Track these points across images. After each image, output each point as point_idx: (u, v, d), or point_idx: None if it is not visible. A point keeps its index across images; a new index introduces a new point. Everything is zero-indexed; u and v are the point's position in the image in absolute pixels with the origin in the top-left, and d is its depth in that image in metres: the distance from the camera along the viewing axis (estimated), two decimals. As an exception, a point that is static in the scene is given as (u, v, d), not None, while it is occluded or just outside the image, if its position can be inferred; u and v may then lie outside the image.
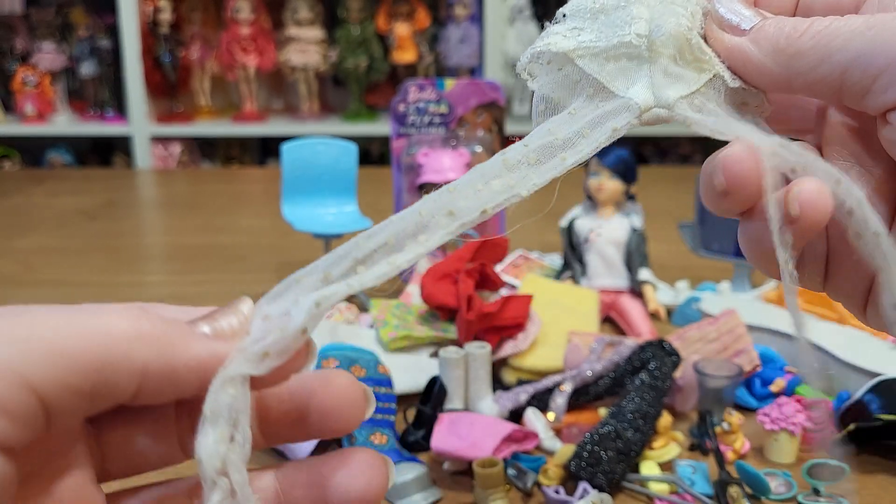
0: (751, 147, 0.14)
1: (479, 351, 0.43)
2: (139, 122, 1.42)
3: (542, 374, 0.45)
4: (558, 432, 0.42)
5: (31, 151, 1.55)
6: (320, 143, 0.58)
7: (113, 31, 1.42)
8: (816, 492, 0.37)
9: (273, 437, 0.15)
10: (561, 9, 0.16)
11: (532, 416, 0.41)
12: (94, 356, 0.12)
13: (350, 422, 0.14)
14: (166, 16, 1.39)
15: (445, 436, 0.38)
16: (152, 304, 0.14)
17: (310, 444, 0.39)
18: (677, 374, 0.42)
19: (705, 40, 0.15)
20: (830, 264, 0.16)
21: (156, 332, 0.12)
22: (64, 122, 1.49)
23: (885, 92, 0.13)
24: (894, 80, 0.13)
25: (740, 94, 0.16)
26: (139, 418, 0.14)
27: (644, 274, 0.55)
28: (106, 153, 1.57)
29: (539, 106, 0.17)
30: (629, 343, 0.44)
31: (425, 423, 0.41)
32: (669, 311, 0.56)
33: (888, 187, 0.15)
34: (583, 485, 0.36)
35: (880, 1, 0.15)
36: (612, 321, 0.56)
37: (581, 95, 0.16)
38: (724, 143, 0.15)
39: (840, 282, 0.16)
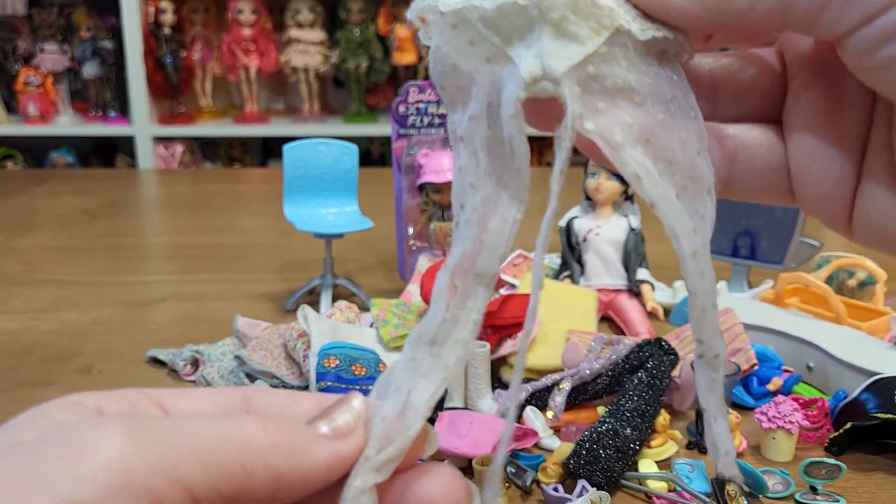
0: None
1: (479, 350, 0.43)
2: (141, 122, 1.42)
3: (541, 373, 0.45)
4: (557, 430, 0.42)
5: (34, 152, 1.55)
6: (321, 144, 0.59)
7: (115, 33, 1.43)
8: (814, 490, 0.37)
9: None
10: None
11: (531, 415, 0.42)
12: (239, 465, 0.13)
13: None
14: (168, 17, 1.39)
15: (445, 434, 0.38)
16: (264, 390, 0.15)
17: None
18: (675, 372, 0.43)
19: None
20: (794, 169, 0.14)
21: (286, 440, 0.13)
22: (66, 123, 1.49)
23: (835, 22, 0.12)
24: (841, 9, 0.12)
25: (655, 43, 0.13)
26: None
27: (642, 273, 0.56)
28: (108, 154, 1.58)
29: (435, 67, 0.14)
30: (627, 342, 0.44)
31: (425, 421, 0.41)
32: (667, 311, 0.57)
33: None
34: (581, 483, 0.36)
35: None
36: (610, 320, 0.56)
37: (479, 58, 0.14)
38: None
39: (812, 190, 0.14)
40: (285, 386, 0.45)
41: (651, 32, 0.13)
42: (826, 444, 0.41)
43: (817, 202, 0.14)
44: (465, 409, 0.43)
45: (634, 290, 0.56)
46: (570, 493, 0.36)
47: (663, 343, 0.42)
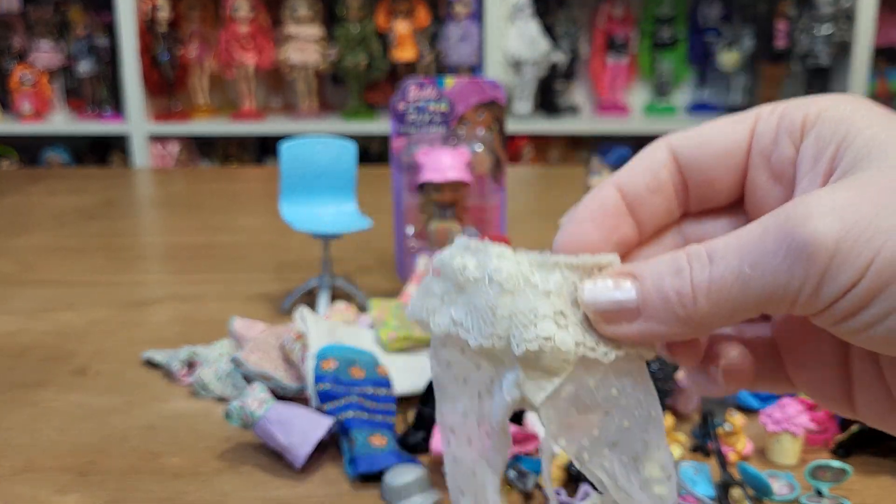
0: None
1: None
2: (137, 120, 1.41)
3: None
4: (559, 433, 0.41)
5: (29, 150, 1.54)
6: (319, 142, 0.58)
7: (111, 30, 1.42)
8: (819, 493, 0.37)
9: None
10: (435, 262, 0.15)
11: (533, 418, 0.41)
12: None
13: None
14: (164, 14, 1.38)
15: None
16: None
17: (309, 446, 0.39)
18: (679, 375, 0.42)
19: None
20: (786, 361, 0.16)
21: None
22: (61, 121, 1.48)
23: (806, 310, 0.13)
24: (808, 302, 0.13)
25: (622, 360, 0.15)
26: None
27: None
28: (104, 152, 1.57)
29: (434, 367, 0.16)
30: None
31: (425, 424, 0.41)
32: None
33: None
34: (584, 486, 0.36)
35: (765, 151, 0.14)
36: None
37: (469, 364, 0.16)
38: None
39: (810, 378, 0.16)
40: (282, 388, 0.45)
41: (614, 354, 0.15)
42: (832, 447, 0.41)
43: (825, 402, 0.16)
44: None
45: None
46: (573, 497, 0.36)
47: (667, 344, 0.42)
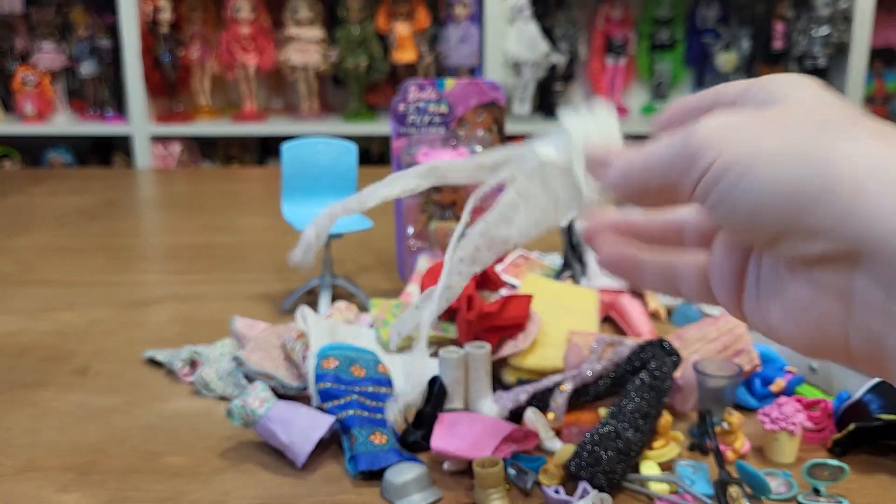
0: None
1: (479, 351, 0.43)
2: (139, 121, 1.42)
3: (542, 374, 0.45)
4: (558, 432, 0.42)
5: (31, 151, 1.55)
6: (320, 143, 0.58)
7: (113, 31, 1.42)
8: (816, 492, 0.37)
9: None
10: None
11: (532, 416, 0.41)
12: None
13: None
14: (166, 15, 1.39)
15: (445, 436, 0.38)
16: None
17: (310, 444, 0.39)
18: (677, 373, 0.42)
19: None
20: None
21: None
22: (64, 122, 1.49)
23: (684, 187, 0.17)
24: (683, 187, 0.17)
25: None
26: None
27: (644, 274, 0.55)
28: (106, 153, 1.57)
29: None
30: (629, 343, 0.44)
31: (425, 423, 0.41)
32: (669, 311, 0.56)
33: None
34: (583, 485, 0.36)
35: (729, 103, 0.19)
36: (611, 321, 0.56)
37: None
38: None
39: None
40: (284, 387, 0.45)
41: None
42: (829, 446, 0.41)
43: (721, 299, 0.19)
44: (466, 410, 0.43)
45: (636, 291, 0.56)
46: (572, 496, 0.36)
47: (665, 344, 0.42)
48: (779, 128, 0.16)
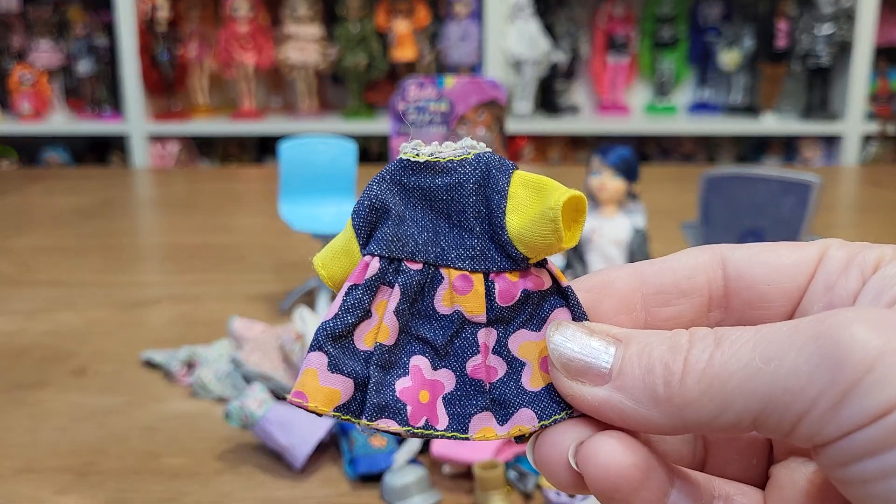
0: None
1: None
2: (136, 120, 1.41)
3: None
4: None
5: (28, 150, 1.54)
6: (319, 142, 0.58)
7: (110, 29, 1.42)
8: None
9: None
10: None
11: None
12: None
13: None
14: (164, 14, 1.38)
15: (446, 440, 0.38)
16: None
17: (309, 447, 0.39)
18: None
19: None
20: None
21: None
22: (61, 121, 1.48)
23: (811, 436, 0.11)
24: (819, 425, 0.10)
25: None
26: None
27: (646, 274, 0.55)
28: (103, 152, 1.57)
29: None
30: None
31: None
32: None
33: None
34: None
35: (829, 282, 0.12)
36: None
37: None
38: None
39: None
40: (282, 389, 0.45)
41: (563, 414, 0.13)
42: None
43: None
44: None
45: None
46: (573, 498, 0.35)
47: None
48: None
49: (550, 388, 0.12)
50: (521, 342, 0.13)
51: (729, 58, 1.46)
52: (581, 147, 1.55)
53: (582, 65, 1.54)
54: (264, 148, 1.58)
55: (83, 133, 1.48)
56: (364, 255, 0.13)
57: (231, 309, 0.57)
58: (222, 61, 1.43)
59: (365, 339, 0.13)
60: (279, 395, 0.44)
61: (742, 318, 0.13)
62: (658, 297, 0.13)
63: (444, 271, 0.13)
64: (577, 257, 0.57)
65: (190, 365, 0.49)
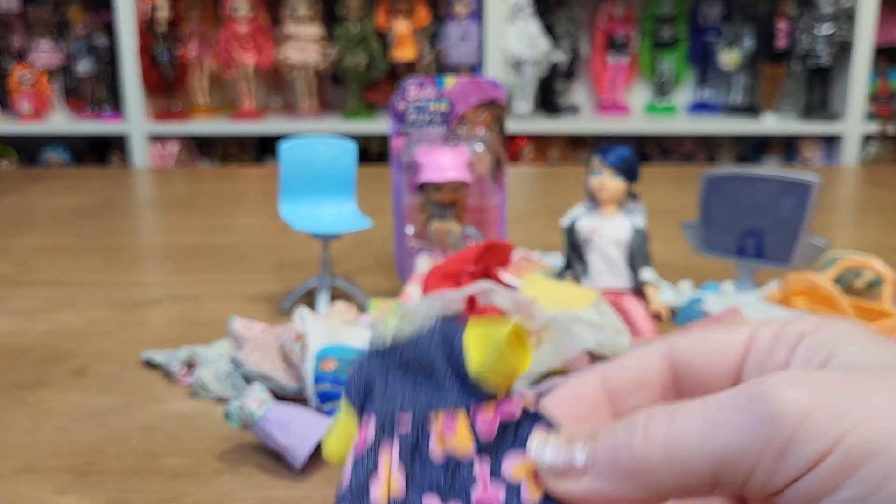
0: None
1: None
2: (136, 120, 1.41)
3: (545, 375, 0.44)
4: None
5: (28, 150, 1.54)
6: (319, 142, 0.58)
7: (110, 29, 1.42)
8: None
9: None
10: None
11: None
12: None
13: None
14: (164, 14, 1.38)
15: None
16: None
17: (309, 447, 0.39)
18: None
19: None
20: None
21: None
22: (61, 121, 1.48)
23: (766, 482, 0.12)
24: (770, 471, 0.12)
25: None
26: None
27: (646, 274, 0.55)
28: (103, 152, 1.57)
29: None
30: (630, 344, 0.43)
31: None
32: (673, 312, 0.56)
33: None
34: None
35: (759, 360, 0.14)
36: (613, 321, 0.55)
37: None
38: None
39: None
40: (282, 389, 0.45)
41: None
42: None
43: None
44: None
45: (639, 291, 0.55)
46: None
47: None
48: None
49: (546, 496, 0.14)
50: (513, 465, 0.15)
51: (729, 58, 1.47)
52: (581, 147, 1.55)
53: (582, 65, 1.54)
54: (264, 148, 1.58)
55: (83, 133, 1.48)
56: (361, 418, 0.16)
57: (231, 309, 0.57)
58: (222, 61, 1.43)
59: (380, 496, 0.15)
60: (279, 395, 0.44)
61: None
62: (620, 394, 0.16)
63: (431, 421, 0.15)
64: (577, 258, 0.57)
65: (190, 365, 0.49)
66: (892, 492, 0.11)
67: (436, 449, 0.14)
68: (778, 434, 0.12)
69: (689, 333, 0.15)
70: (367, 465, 0.15)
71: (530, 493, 0.14)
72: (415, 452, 0.15)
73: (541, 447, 0.14)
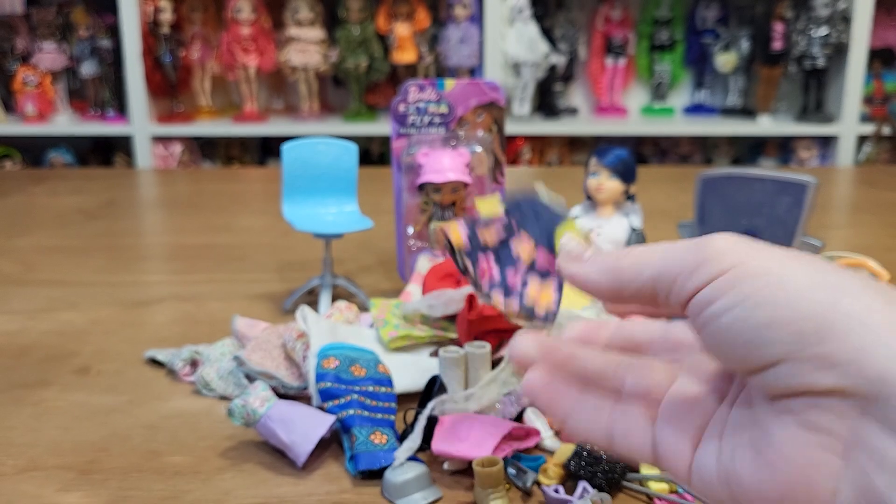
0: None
1: (479, 351, 0.43)
2: (140, 122, 1.42)
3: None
4: (558, 432, 0.42)
5: (32, 151, 1.55)
6: (321, 143, 0.58)
7: (114, 31, 1.43)
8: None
9: None
10: None
11: (532, 416, 0.41)
12: None
13: None
14: (167, 16, 1.39)
15: (445, 436, 0.38)
16: None
17: (310, 444, 0.39)
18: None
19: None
20: None
21: None
22: (65, 122, 1.49)
23: (678, 293, 0.17)
24: (682, 286, 0.17)
25: None
26: None
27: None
28: (107, 153, 1.57)
29: None
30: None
31: (426, 422, 0.41)
32: (669, 311, 0.56)
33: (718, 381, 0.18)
34: (582, 484, 0.36)
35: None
36: (611, 321, 0.56)
37: None
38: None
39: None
40: (284, 387, 0.45)
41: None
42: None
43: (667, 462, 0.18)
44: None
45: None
46: (571, 495, 0.36)
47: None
48: (798, 259, 0.15)
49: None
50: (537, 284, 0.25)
51: (725, 60, 1.47)
52: (579, 148, 1.56)
53: (580, 67, 1.55)
54: (267, 149, 1.59)
55: (87, 134, 1.49)
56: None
57: (234, 308, 0.58)
58: (225, 63, 1.44)
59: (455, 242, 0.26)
60: (281, 393, 0.44)
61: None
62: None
63: (521, 239, 0.26)
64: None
65: (193, 363, 0.50)
66: (751, 303, 0.15)
67: (514, 249, 0.25)
68: (697, 256, 0.16)
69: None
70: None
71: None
72: (503, 247, 0.26)
73: (568, 240, 0.21)
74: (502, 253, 0.26)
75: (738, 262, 0.15)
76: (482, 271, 0.25)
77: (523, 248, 0.25)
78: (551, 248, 0.25)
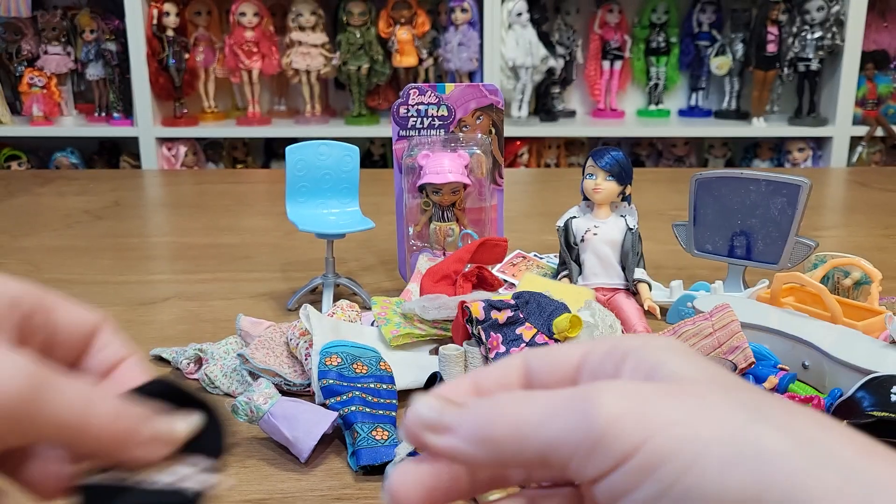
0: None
1: (478, 348, 0.44)
2: (145, 124, 1.43)
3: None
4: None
5: (39, 153, 1.56)
6: (323, 145, 0.60)
7: (119, 35, 1.44)
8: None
9: None
10: None
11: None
12: None
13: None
14: (171, 19, 1.41)
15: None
16: None
17: (313, 440, 0.40)
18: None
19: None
20: None
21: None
22: (71, 125, 1.50)
23: (580, 471, 0.14)
24: (581, 468, 0.14)
25: None
26: None
27: (639, 273, 0.56)
28: (112, 155, 1.59)
29: None
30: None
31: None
32: (664, 310, 0.57)
33: None
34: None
35: (592, 370, 0.16)
36: (608, 320, 0.56)
37: None
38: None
39: None
40: (287, 384, 0.46)
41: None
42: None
43: None
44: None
45: (632, 290, 0.57)
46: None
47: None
48: (706, 409, 0.14)
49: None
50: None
51: (720, 63, 1.48)
52: (576, 150, 1.57)
53: (577, 70, 1.56)
54: (270, 151, 1.60)
55: (93, 136, 1.50)
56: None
57: (238, 307, 0.59)
58: (229, 67, 1.45)
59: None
60: (284, 390, 0.45)
61: None
62: (485, 392, 0.18)
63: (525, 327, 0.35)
64: (571, 257, 0.59)
65: (198, 361, 0.51)
66: (681, 491, 0.13)
67: (518, 331, 0.33)
68: (591, 432, 0.14)
69: (544, 348, 0.18)
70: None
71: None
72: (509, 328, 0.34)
73: (421, 402, 0.16)
74: (508, 333, 0.32)
75: (642, 439, 0.13)
76: (491, 343, 0.31)
77: (526, 332, 0.30)
78: (551, 335, 0.30)
